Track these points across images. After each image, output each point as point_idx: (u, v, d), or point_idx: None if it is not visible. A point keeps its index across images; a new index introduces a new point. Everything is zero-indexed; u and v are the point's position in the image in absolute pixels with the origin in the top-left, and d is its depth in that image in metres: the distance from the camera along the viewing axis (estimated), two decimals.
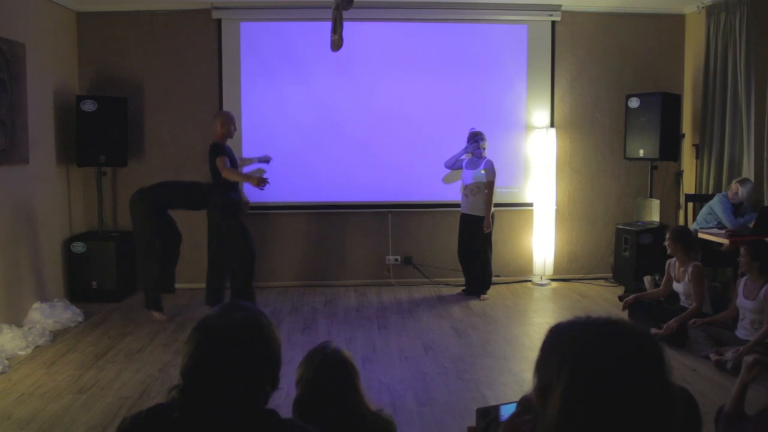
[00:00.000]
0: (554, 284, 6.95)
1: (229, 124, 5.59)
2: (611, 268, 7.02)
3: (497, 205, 6.39)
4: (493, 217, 6.29)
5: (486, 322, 5.62)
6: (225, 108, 6.73)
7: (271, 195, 6.65)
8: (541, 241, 6.98)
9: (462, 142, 6.51)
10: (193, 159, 6.74)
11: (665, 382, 1.07)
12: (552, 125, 7.01)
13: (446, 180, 6.83)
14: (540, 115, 6.99)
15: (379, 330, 5.41)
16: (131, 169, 6.64)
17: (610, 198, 7.15)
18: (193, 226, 6.43)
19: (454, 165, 6.46)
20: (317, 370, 2.06)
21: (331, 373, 2.07)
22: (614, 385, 1.05)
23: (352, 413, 2.06)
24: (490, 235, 6.33)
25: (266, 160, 6.39)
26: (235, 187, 5.60)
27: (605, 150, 7.11)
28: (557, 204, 7.06)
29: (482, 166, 6.22)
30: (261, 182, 5.46)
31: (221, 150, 5.48)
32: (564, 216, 7.15)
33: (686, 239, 5.04)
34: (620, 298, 6.08)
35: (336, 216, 6.91)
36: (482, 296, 6.37)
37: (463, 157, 6.42)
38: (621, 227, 6.70)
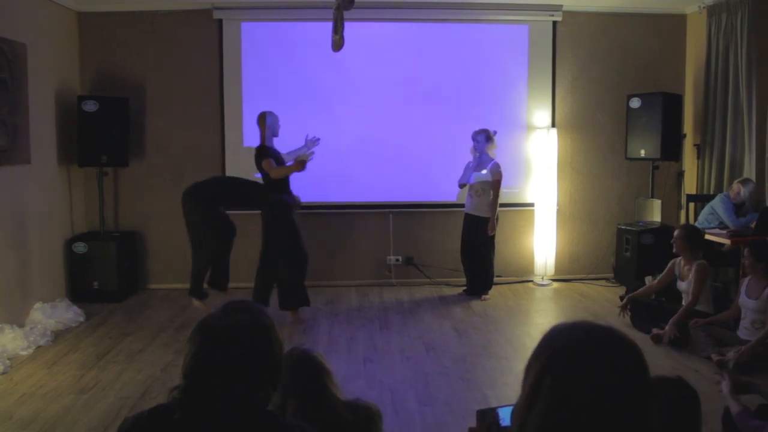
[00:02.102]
0: (555, 284, 6.94)
1: (273, 124, 5.48)
2: (612, 269, 7.01)
3: (499, 205, 6.37)
4: (497, 218, 6.29)
5: (487, 322, 5.61)
6: (227, 109, 6.75)
7: None
8: (542, 242, 6.97)
9: (463, 143, 6.52)
10: (196, 159, 6.76)
11: (646, 394, 1.08)
12: (553, 125, 7.00)
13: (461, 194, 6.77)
14: (541, 115, 6.98)
15: (380, 330, 5.40)
16: (132, 169, 6.65)
17: (612, 198, 7.15)
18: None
19: (463, 177, 6.38)
20: (289, 374, 2.09)
21: (297, 375, 2.09)
22: (594, 396, 1.05)
23: (325, 412, 2.08)
24: (493, 236, 6.32)
25: (312, 144, 5.97)
26: (285, 188, 5.48)
27: (606, 150, 7.10)
28: (558, 204, 7.05)
29: (488, 166, 6.22)
30: (301, 164, 5.31)
31: (265, 152, 5.38)
32: (565, 216, 7.14)
33: (698, 240, 5.05)
34: (622, 299, 6.08)
35: (338, 216, 6.91)
36: (483, 296, 6.36)
37: (470, 160, 6.42)
38: (622, 227, 6.69)
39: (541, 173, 6.94)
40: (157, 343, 5.05)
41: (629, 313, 5.34)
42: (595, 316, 5.71)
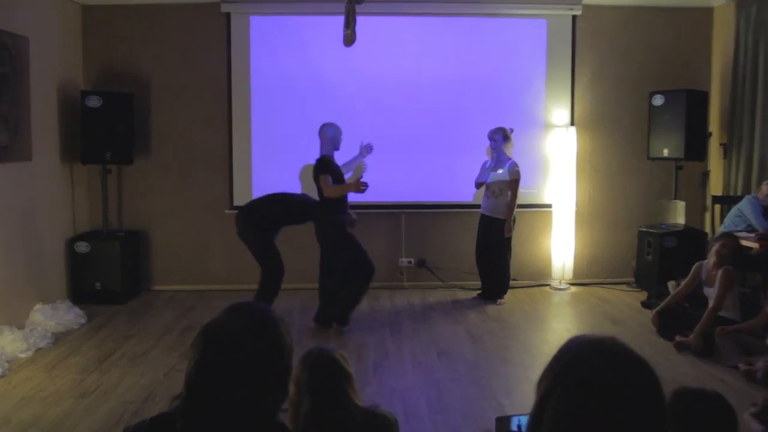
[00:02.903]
0: (574, 289, 6.91)
1: (335, 136, 5.40)
2: (633, 273, 6.95)
3: (516, 206, 6.32)
4: (514, 220, 6.26)
5: (503, 327, 5.58)
6: (235, 105, 6.76)
7: None
8: (560, 244, 6.94)
9: (478, 141, 6.48)
10: (202, 156, 6.79)
11: (658, 412, 1.10)
12: (572, 123, 6.96)
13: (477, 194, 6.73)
14: (559, 113, 6.94)
15: (391, 335, 5.38)
16: (137, 167, 6.66)
17: (633, 199, 7.09)
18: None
19: (480, 177, 6.37)
20: (307, 372, 2.12)
21: (315, 374, 2.11)
22: (603, 412, 1.08)
23: (340, 416, 2.08)
24: (510, 238, 6.29)
25: (366, 151, 6.00)
26: (340, 206, 5.37)
27: (627, 149, 7.04)
28: (577, 205, 7.00)
29: (506, 165, 6.19)
30: (359, 187, 5.20)
31: (324, 166, 5.29)
32: (584, 218, 7.09)
33: (739, 253, 5.00)
34: (643, 304, 6.02)
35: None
36: (499, 300, 6.32)
37: (487, 159, 6.38)
38: (644, 230, 6.63)
39: (559, 173, 6.90)
40: (160, 347, 5.04)
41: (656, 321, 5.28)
42: (614, 322, 5.69)
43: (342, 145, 6.63)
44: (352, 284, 5.39)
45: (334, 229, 5.38)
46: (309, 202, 5.57)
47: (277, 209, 5.59)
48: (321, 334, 5.35)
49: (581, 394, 1.09)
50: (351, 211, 5.52)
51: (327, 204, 5.32)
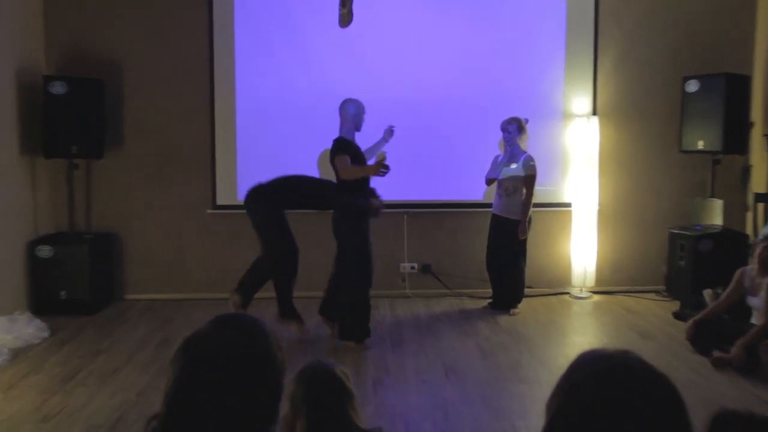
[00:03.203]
0: (596, 297, 6.91)
1: (357, 114, 5.36)
2: (664, 280, 6.92)
3: (533, 205, 6.31)
4: (530, 221, 6.23)
5: (517, 340, 5.59)
6: (218, 92, 6.75)
7: None
8: (581, 248, 6.93)
9: (489, 133, 6.44)
10: (182, 151, 6.79)
11: None
12: (594, 113, 6.96)
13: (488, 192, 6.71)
14: (580, 101, 6.95)
15: (392, 349, 5.38)
16: (108, 161, 6.63)
17: (663, 197, 7.08)
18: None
19: (492, 173, 6.36)
20: (304, 388, 2.12)
21: (312, 391, 2.12)
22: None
23: None
24: (524, 241, 6.29)
25: (389, 135, 5.91)
26: (361, 189, 5.34)
27: (657, 142, 7.03)
28: (600, 204, 6.99)
29: (521, 160, 6.17)
30: (378, 169, 5.17)
31: (341, 146, 5.28)
32: (608, 218, 7.07)
33: None
34: (675, 315, 5.98)
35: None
36: (512, 311, 6.33)
37: (499, 153, 6.34)
38: (676, 232, 6.60)
39: (579, 168, 6.90)
40: (134, 363, 5.02)
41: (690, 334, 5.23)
42: (642, 335, 5.68)
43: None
44: (352, 281, 5.36)
45: (346, 217, 5.34)
46: (328, 186, 5.54)
47: (291, 186, 5.63)
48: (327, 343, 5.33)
49: (594, 414, 1.10)
50: (374, 199, 5.42)
51: (343, 188, 5.29)
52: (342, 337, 5.40)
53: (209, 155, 6.79)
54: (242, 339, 1.44)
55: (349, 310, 5.36)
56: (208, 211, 6.77)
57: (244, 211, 5.65)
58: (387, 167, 5.18)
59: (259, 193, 5.58)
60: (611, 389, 1.11)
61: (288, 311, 5.67)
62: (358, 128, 5.39)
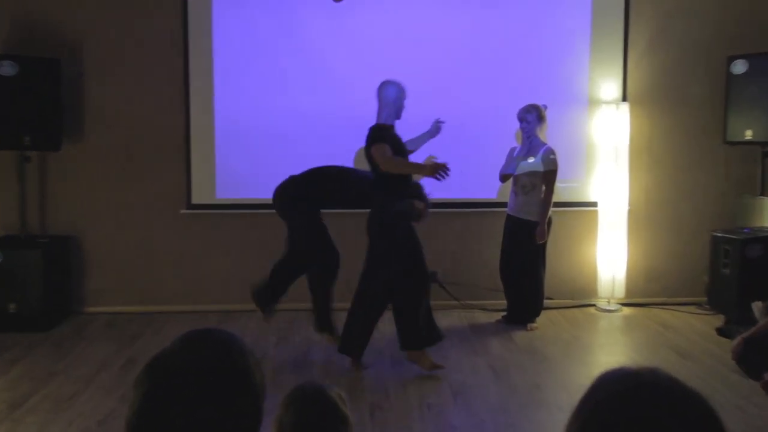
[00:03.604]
0: (627, 310, 6.93)
1: (397, 99, 5.30)
2: (705, 290, 6.91)
3: (552, 205, 6.33)
4: (549, 222, 6.23)
5: (535, 360, 5.60)
6: (193, 75, 6.75)
7: (247, 189, 6.63)
8: (608, 253, 6.94)
9: (503, 122, 6.44)
10: (153, 142, 6.79)
11: None
12: (624, 99, 6.98)
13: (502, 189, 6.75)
14: (608, 86, 6.97)
15: (392, 368, 5.39)
16: (66, 153, 6.62)
17: (704, 196, 7.10)
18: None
19: (507, 167, 6.36)
20: (293, 413, 2.13)
21: (307, 417, 2.13)
22: None
23: None
24: (543, 245, 6.31)
25: (436, 130, 5.94)
26: (404, 186, 5.26)
27: (697, 131, 7.05)
28: (630, 203, 7.00)
29: (540, 153, 6.17)
30: (436, 170, 5.09)
31: (380, 133, 5.19)
32: (640, 219, 7.10)
33: None
34: (719, 332, 5.97)
35: (335, 217, 6.80)
36: (530, 325, 6.35)
37: (516, 145, 6.35)
38: (719, 235, 6.60)
39: (607, 163, 6.91)
40: (95, 387, 5.01)
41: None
42: (681, 354, 5.69)
43: (328, 128, 6.63)
44: (403, 296, 5.27)
45: (382, 220, 5.25)
46: (366, 178, 5.51)
47: (330, 181, 5.67)
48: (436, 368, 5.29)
49: None
50: (417, 201, 5.28)
51: (383, 183, 5.22)
52: (403, 346, 5.34)
53: (184, 147, 6.79)
54: (216, 358, 1.43)
55: (402, 316, 5.29)
56: (182, 210, 6.77)
57: (274, 211, 5.73)
58: (447, 169, 5.10)
59: (292, 190, 5.61)
60: (637, 408, 1.12)
61: (325, 323, 5.74)
62: (398, 115, 5.33)
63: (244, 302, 6.73)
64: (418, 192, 5.33)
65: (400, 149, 5.29)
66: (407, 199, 5.22)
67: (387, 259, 5.25)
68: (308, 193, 5.62)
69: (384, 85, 5.32)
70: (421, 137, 5.90)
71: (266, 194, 6.70)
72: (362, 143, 6.67)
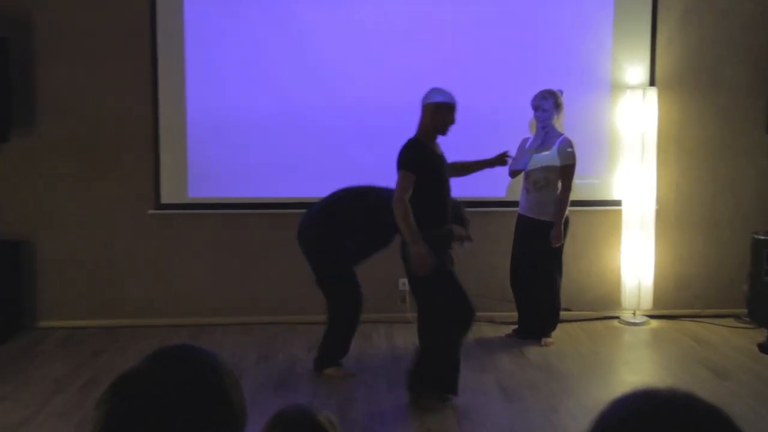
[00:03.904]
0: (654, 323, 6.95)
1: (445, 112, 5.18)
2: (745, 301, 6.91)
3: (570, 203, 6.34)
4: (566, 222, 6.21)
5: (551, 379, 5.59)
6: (162, 56, 6.79)
7: (223, 187, 6.62)
8: (634, 258, 6.94)
9: (513, 111, 6.44)
10: (116, 134, 6.79)
11: None
12: (652, 83, 6.99)
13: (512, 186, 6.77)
14: (634, 69, 6.98)
15: (388, 389, 5.39)
16: (15, 145, 6.62)
17: (744, 193, 7.14)
18: None
19: (519, 161, 6.33)
20: None
21: None
22: None
23: None
24: (560, 249, 6.30)
25: (498, 161, 5.92)
26: (439, 208, 5.15)
27: (736, 119, 7.07)
28: (659, 202, 7.03)
29: (556, 145, 6.15)
30: (459, 235, 5.14)
31: (412, 154, 5.07)
32: (669, 220, 7.12)
33: None
34: (761, 348, 5.96)
35: None
36: (545, 340, 6.37)
37: (529, 136, 6.34)
38: (761, 237, 6.61)
39: (632, 156, 6.93)
40: (50, 411, 4.98)
41: None
42: (717, 374, 5.67)
43: (318, 123, 6.61)
44: (438, 334, 5.15)
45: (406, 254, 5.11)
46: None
47: (359, 211, 5.58)
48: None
49: None
50: (457, 227, 5.25)
51: (415, 206, 5.01)
52: (410, 389, 5.23)
53: (151, 139, 6.79)
54: (189, 377, 1.43)
55: (424, 357, 5.16)
56: (150, 211, 6.78)
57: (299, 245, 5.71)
58: (469, 238, 5.14)
59: (317, 229, 5.62)
60: (658, 427, 1.12)
61: (329, 361, 5.69)
62: (442, 131, 5.20)
63: (220, 315, 6.76)
64: (459, 213, 5.33)
65: (436, 172, 5.13)
66: (443, 224, 5.16)
67: (422, 293, 5.17)
68: (330, 221, 5.58)
69: (430, 94, 5.23)
70: (477, 164, 5.85)
71: (244, 192, 6.74)
72: (347, 137, 6.75)
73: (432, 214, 5.08)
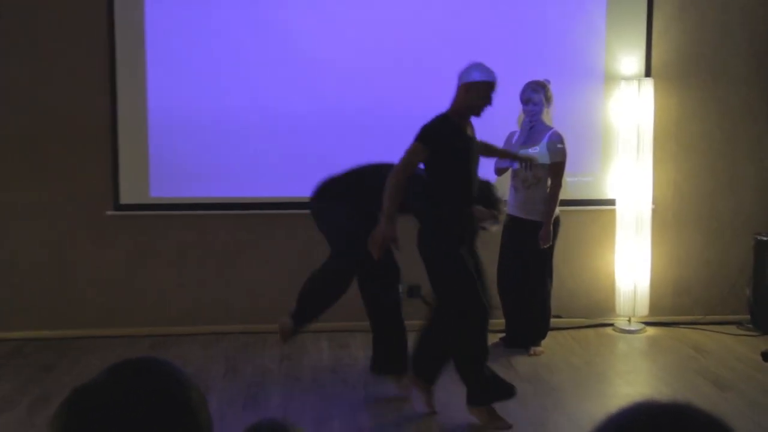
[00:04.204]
0: (651, 331, 6.99)
1: (481, 92, 5.05)
2: (748, 306, 6.97)
3: (561, 203, 6.37)
4: (557, 222, 6.23)
5: (540, 391, 5.60)
6: (120, 47, 6.71)
7: (188, 186, 6.61)
8: (629, 261, 6.97)
9: (500, 106, 6.45)
10: (70, 129, 6.73)
11: None
12: (648, 74, 7.03)
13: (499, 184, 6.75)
14: (629, 59, 7.02)
15: (367, 403, 5.42)
16: None
17: (746, 192, 7.20)
18: None
19: (504, 159, 6.33)
20: None
21: None
22: None
23: None
24: (549, 251, 6.32)
25: (526, 160, 5.97)
26: (458, 191, 5.06)
27: (738, 114, 7.13)
28: (655, 202, 7.08)
29: (544, 140, 6.16)
30: (490, 219, 5.06)
31: (433, 128, 4.98)
32: (666, 221, 7.17)
33: None
34: (765, 356, 6.00)
35: (297, 220, 6.83)
36: (534, 349, 6.39)
37: (515, 130, 6.35)
38: (764, 239, 6.67)
39: (627, 151, 6.96)
40: None
41: None
42: (718, 385, 5.69)
43: (291, 118, 6.61)
44: (454, 332, 5.13)
45: (439, 228, 5.11)
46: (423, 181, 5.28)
47: (361, 188, 5.58)
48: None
49: None
50: (482, 208, 5.23)
51: (435, 184, 5.06)
52: (469, 402, 5.17)
53: (109, 135, 6.74)
54: (151, 392, 1.42)
55: (455, 352, 5.15)
56: (108, 212, 6.73)
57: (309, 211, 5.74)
58: (491, 217, 5.13)
59: (325, 190, 5.63)
60: None
61: (395, 363, 5.60)
62: (475, 112, 5.12)
63: (185, 324, 6.73)
64: (488, 194, 5.34)
65: (461, 151, 5.06)
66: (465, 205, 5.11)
67: (446, 279, 5.10)
68: (344, 195, 5.59)
69: (468, 70, 5.11)
70: (501, 152, 5.98)
71: (211, 191, 6.71)
72: (318, 134, 6.75)
73: (452, 194, 5.04)
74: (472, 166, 5.10)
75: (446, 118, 5.04)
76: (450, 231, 5.03)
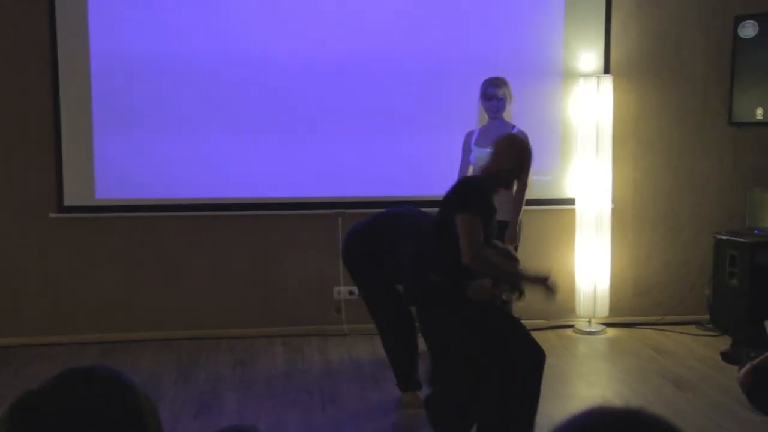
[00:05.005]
0: (611, 332, 7.04)
1: (522, 157, 4.70)
2: (707, 306, 7.06)
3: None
4: (520, 223, 6.24)
5: None
6: (62, 40, 6.61)
7: (135, 187, 6.59)
8: (588, 261, 7.02)
9: (452, 99, 6.46)
10: (11, 128, 6.66)
11: None
12: (607, 71, 7.06)
13: None
14: (587, 56, 7.04)
15: (324, 409, 5.40)
16: None
17: (706, 190, 7.24)
18: None
19: (466, 161, 6.32)
20: None
21: None
22: None
23: None
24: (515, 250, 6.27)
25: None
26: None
27: (697, 110, 7.18)
28: (615, 201, 7.12)
29: None
30: (544, 283, 4.44)
31: (479, 193, 4.56)
32: (626, 220, 7.22)
33: None
34: (724, 356, 6.05)
35: (253, 221, 6.85)
36: None
37: (473, 128, 6.35)
38: (723, 238, 6.72)
39: (586, 150, 6.99)
40: None
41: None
42: (678, 385, 5.75)
43: (264, 113, 6.59)
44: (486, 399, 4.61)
45: (457, 301, 4.60)
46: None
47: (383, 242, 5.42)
48: None
49: None
50: (485, 281, 4.57)
51: (453, 254, 4.46)
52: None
53: (52, 134, 6.67)
54: (100, 400, 1.42)
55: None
56: (52, 215, 6.67)
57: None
58: (554, 287, 4.48)
59: (359, 246, 5.59)
60: None
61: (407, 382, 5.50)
62: (507, 184, 4.84)
63: (134, 330, 6.68)
64: (505, 255, 4.75)
65: (486, 225, 4.54)
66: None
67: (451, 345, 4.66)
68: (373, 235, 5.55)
69: (511, 140, 4.91)
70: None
71: (160, 193, 6.66)
72: (273, 131, 6.71)
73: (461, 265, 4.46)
74: (489, 238, 4.67)
75: (487, 187, 4.63)
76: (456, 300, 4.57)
